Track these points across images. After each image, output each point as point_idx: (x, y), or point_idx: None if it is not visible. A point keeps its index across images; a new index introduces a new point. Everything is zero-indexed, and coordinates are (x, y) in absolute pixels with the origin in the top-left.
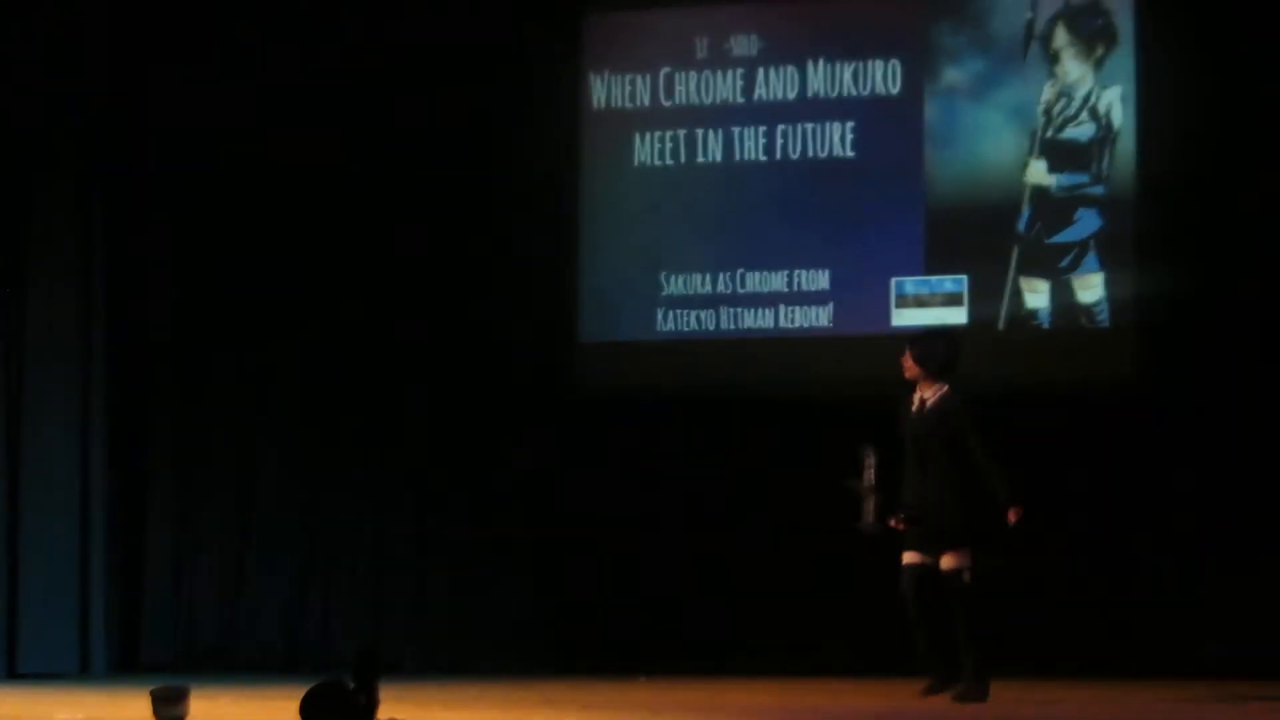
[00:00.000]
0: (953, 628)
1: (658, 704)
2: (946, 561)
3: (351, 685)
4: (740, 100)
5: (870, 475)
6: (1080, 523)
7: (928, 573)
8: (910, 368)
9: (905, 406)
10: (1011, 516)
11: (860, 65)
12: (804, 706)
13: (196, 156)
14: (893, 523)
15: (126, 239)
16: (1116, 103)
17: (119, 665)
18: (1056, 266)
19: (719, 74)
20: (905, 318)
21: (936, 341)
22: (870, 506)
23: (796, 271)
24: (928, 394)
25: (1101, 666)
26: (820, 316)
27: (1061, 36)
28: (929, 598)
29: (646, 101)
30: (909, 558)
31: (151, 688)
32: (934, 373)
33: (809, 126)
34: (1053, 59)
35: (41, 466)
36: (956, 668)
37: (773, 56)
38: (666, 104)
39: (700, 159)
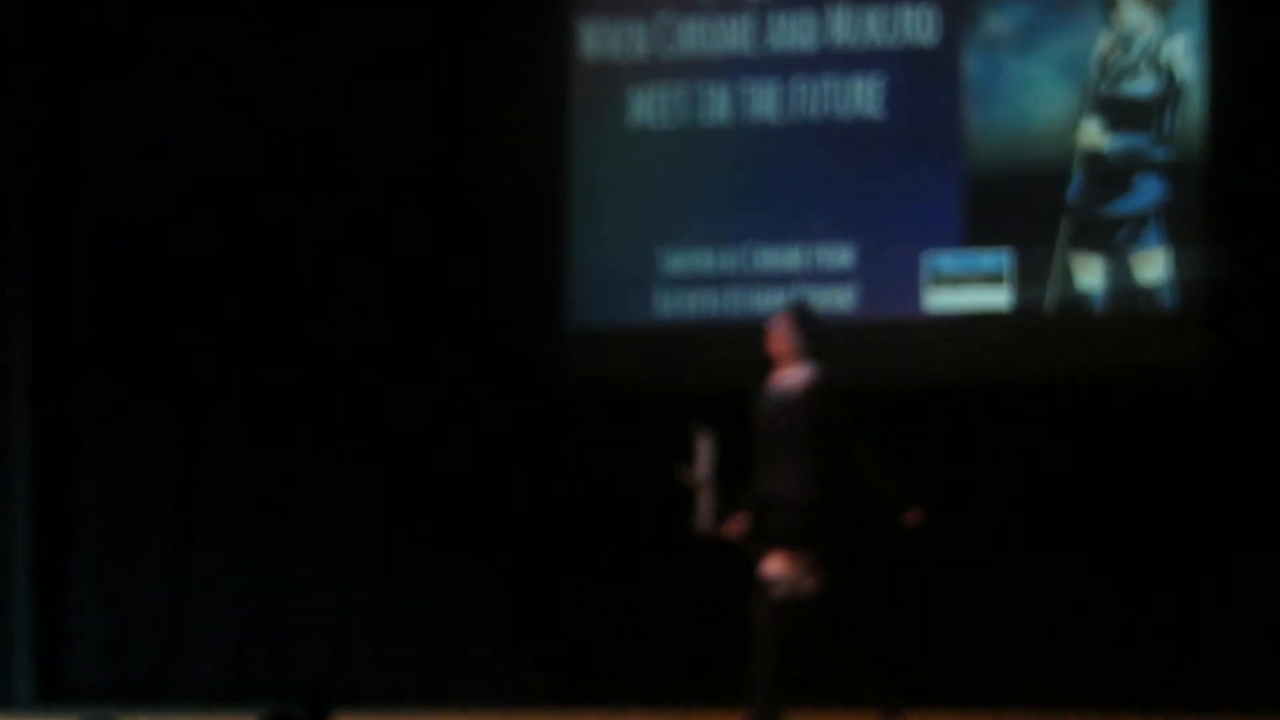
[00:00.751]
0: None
1: None
2: (771, 566)
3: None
4: (751, 50)
5: (704, 466)
6: (1141, 529)
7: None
8: (781, 341)
9: (762, 389)
10: (912, 519)
11: (889, 11)
12: None
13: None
14: (732, 527)
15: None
16: (1183, 53)
17: (42, 693)
18: (1112, 241)
19: (726, 20)
20: (939, 299)
21: (815, 315)
22: (704, 503)
23: (815, 247)
24: (790, 374)
25: (1167, 699)
26: (842, 298)
27: None
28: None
29: (643, 52)
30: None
31: (75, 717)
32: (806, 350)
33: (830, 82)
34: (1109, 3)
35: None
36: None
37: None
38: (666, 55)
39: (705, 118)
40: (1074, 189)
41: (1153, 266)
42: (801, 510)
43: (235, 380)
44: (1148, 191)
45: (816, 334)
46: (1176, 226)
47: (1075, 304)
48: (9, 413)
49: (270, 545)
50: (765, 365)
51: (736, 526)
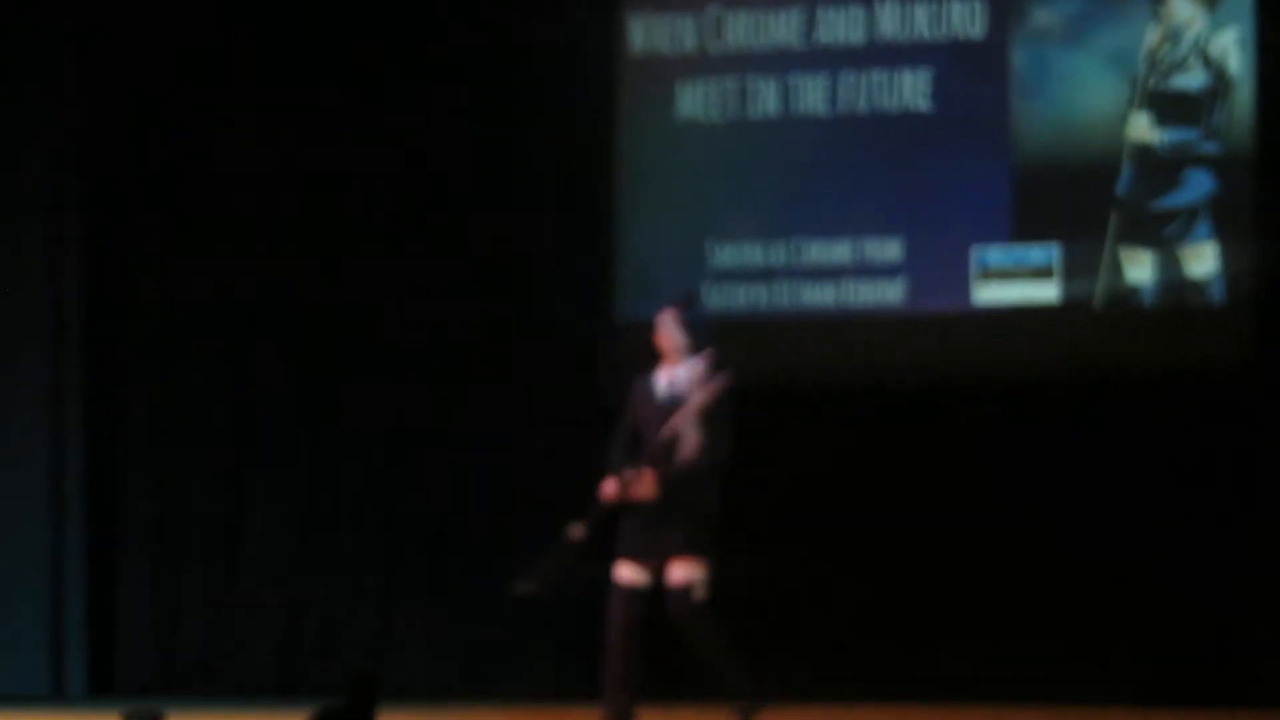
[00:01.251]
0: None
1: None
2: (676, 573)
3: (350, 712)
4: (799, 44)
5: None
6: (1189, 529)
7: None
8: (670, 337)
9: (640, 387)
10: (606, 490)
11: (937, 4)
12: None
13: (182, 111)
14: (609, 491)
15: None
16: (1232, 47)
17: (93, 687)
18: (1162, 235)
19: (775, 14)
20: (988, 293)
21: (698, 309)
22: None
23: (864, 240)
24: (681, 369)
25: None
26: (891, 292)
27: None
28: (642, 626)
29: (692, 46)
30: (631, 574)
31: (122, 710)
32: (697, 344)
33: (878, 75)
34: None
35: (7, 459)
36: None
37: None
38: (714, 49)
39: (753, 112)
40: (1123, 183)
41: (1202, 260)
42: (700, 515)
43: (284, 376)
44: (1197, 186)
45: (699, 329)
46: (1226, 221)
47: (1124, 298)
48: (62, 413)
49: (318, 538)
50: (809, 358)
51: (611, 491)
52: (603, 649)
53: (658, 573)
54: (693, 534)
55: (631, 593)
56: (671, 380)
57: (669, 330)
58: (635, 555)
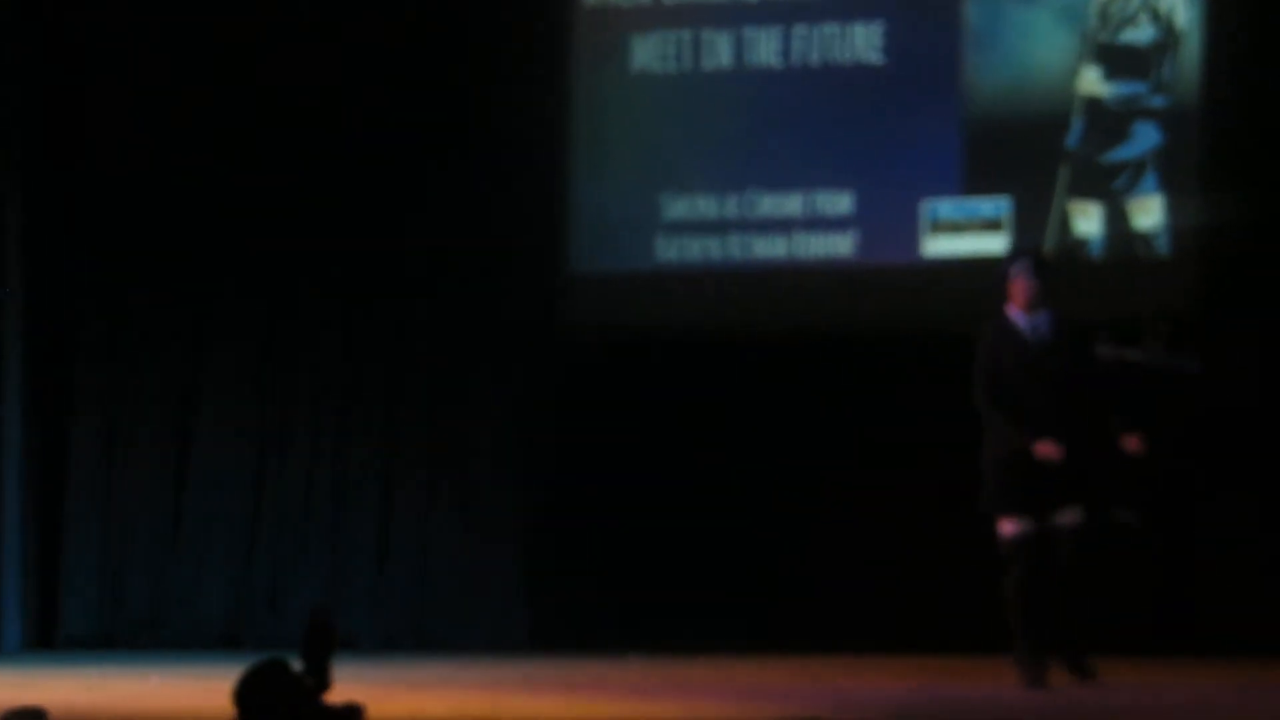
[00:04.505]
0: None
1: (652, 684)
2: (1070, 517)
3: (299, 664)
4: None
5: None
6: (1143, 479)
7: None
8: (1029, 285)
9: (1005, 334)
10: (1132, 444)
11: None
12: (822, 687)
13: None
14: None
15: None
16: (1180, 2)
17: (36, 641)
18: (1110, 188)
19: None
20: (938, 245)
21: (1047, 261)
22: None
23: (815, 193)
24: (1040, 319)
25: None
26: (842, 244)
27: None
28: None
29: None
30: (1019, 526)
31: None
32: (1050, 291)
33: (831, 28)
34: None
35: None
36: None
37: None
38: (668, 0)
39: (707, 64)
40: (1073, 136)
41: (1149, 213)
42: (1080, 461)
43: (232, 325)
44: (1145, 138)
45: (1050, 277)
46: (1173, 173)
47: (1073, 250)
48: (1, 358)
49: (266, 491)
50: (760, 310)
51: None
52: (1007, 603)
53: (1043, 521)
54: (1075, 480)
55: (1030, 541)
56: (1034, 325)
57: (1028, 278)
58: (1022, 507)
